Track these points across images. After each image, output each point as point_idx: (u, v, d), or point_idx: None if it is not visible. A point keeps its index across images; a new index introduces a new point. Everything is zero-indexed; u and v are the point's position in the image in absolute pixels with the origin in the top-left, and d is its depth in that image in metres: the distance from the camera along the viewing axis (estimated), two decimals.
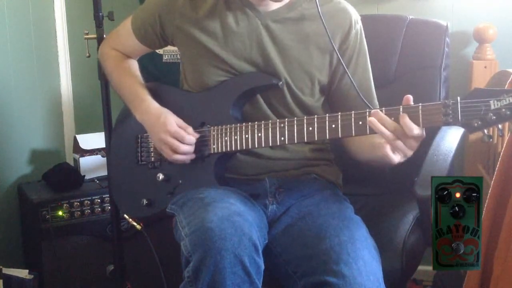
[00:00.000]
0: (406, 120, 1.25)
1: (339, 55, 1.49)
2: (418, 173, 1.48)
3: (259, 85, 1.53)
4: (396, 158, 1.31)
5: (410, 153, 1.30)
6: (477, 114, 1.20)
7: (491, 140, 1.22)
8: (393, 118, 1.27)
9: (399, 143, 1.28)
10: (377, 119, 1.28)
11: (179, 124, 1.53)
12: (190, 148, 1.52)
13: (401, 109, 1.27)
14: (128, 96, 1.67)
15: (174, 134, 1.51)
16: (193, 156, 1.53)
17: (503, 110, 1.17)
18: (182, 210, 1.43)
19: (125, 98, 1.69)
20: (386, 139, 1.29)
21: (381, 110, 1.29)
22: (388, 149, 1.30)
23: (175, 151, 1.52)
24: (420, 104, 1.26)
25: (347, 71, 1.49)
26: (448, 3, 2.35)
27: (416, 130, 1.25)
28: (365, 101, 1.45)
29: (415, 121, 1.25)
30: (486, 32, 2.22)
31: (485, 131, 1.20)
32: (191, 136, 1.52)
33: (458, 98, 1.21)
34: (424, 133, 1.27)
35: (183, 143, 1.51)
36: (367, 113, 1.32)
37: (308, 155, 1.60)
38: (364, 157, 1.51)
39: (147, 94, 1.63)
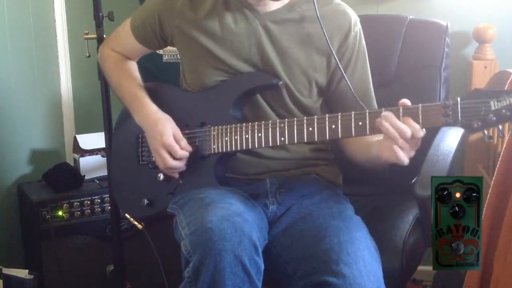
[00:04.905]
0: (410, 122, 1.25)
1: (336, 59, 1.50)
2: (418, 173, 1.48)
3: (259, 85, 1.53)
4: (404, 158, 1.30)
5: (413, 153, 1.30)
6: (477, 115, 1.19)
7: (491, 141, 1.22)
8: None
9: (405, 144, 1.28)
10: (391, 124, 1.27)
11: (175, 135, 1.53)
12: (180, 164, 1.53)
13: (401, 110, 1.27)
14: (127, 99, 1.67)
15: (167, 147, 1.51)
16: (183, 168, 1.54)
17: (503, 111, 1.17)
18: (183, 210, 1.43)
19: (124, 100, 1.68)
20: (394, 140, 1.28)
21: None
22: (398, 150, 1.28)
23: (165, 165, 1.53)
24: (420, 104, 1.26)
25: (344, 75, 1.49)
26: (448, 3, 2.35)
27: (421, 131, 1.25)
28: (362, 104, 1.45)
29: (415, 122, 1.25)
30: (486, 32, 2.22)
31: (485, 132, 1.20)
32: (183, 151, 1.52)
33: (458, 99, 1.21)
34: (424, 131, 1.27)
35: (175, 157, 1.51)
36: (367, 114, 1.32)
37: (308, 155, 1.60)
38: (359, 157, 1.51)
39: (146, 97, 1.62)
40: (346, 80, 1.49)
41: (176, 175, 1.56)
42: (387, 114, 1.28)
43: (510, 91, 1.17)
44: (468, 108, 1.20)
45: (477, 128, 1.20)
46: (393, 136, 1.27)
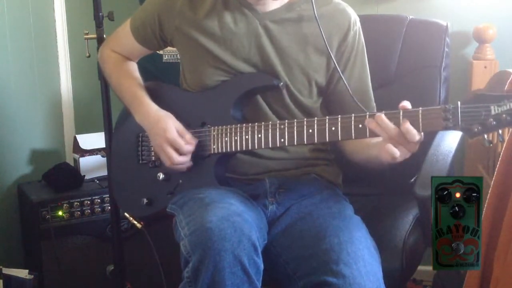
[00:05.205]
0: (407, 126, 1.25)
1: (334, 61, 1.49)
2: (418, 173, 1.48)
3: (260, 86, 1.53)
4: (399, 156, 1.30)
5: (409, 155, 1.30)
6: (477, 119, 1.19)
7: (491, 145, 1.22)
8: (393, 122, 1.27)
9: (400, 147, 1.28)
10: (379, 123, 1.27)
11: (178, 130, 1.52)
12: (186, 158, 1.52)
13: (401, 113, 1.27)
14: (127, 98, 1.66)
15: (171, 142, 1.50)
16: (190, 164, 1.53)
17: (504, 115, 1.17)
18: (182, 210, 1.43)
19: (124, 100, 1.68)
20: (388, 140, 1.28)
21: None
22: (390, 146, 1.28)
23: (171, 161, 1.52)
24: (420, 108, 1.25)
25: (342, 77, 1.49)
26: (448, 3, 2.35)
27: (418, 136, 1.25)
28: (360, 105, 1.45)
29: (415, 125, 1.25)
30: (486, 32, 2.22)
31: (485, 136, 1.20)
32: (188, 145, 1.51)
33: (459, 103, 1.21)
34: (422, 136, 1.27)
35: (180, 152, 1.51)
36: (367, 116, 1.31)
37: (307, 155, 1.60)
38: (358, 157, 1.51)
39: (146, 96, 1.62)
40: (343, 81, 1.49)
41: (184, 169, 1.55)
42: (378, 115, 1.28)
43: (511, 95, 1.17)
44: (468, 112, 1.20)
45: (477, 133, 1.19)
46: (381, 134, 1.27)
